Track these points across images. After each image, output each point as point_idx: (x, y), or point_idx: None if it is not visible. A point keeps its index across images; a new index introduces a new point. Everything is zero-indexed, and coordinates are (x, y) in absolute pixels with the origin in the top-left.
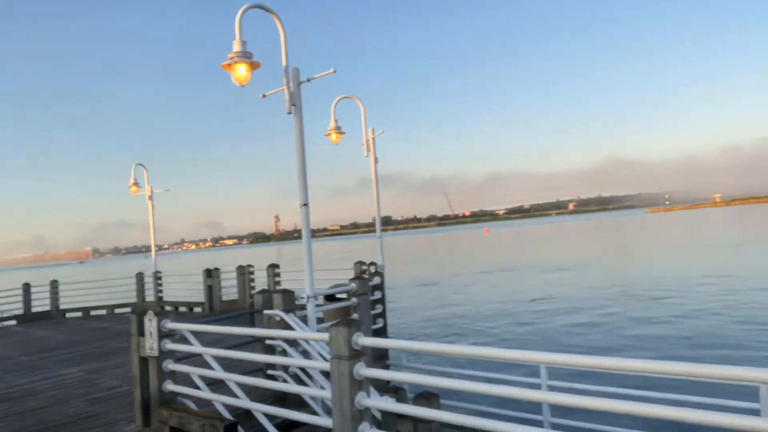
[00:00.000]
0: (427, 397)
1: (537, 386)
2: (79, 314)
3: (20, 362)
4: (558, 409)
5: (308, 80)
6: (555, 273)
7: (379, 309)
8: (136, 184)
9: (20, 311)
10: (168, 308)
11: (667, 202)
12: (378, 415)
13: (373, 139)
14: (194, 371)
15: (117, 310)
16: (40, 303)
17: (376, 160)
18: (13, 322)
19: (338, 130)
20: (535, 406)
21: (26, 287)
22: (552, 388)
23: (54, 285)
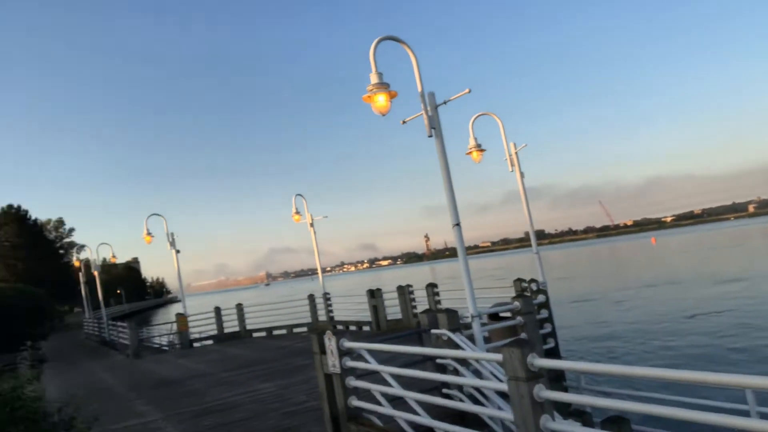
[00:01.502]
0: (617, 421)
1: (744, 413)
2: (263, 334)
3: (221, 378)
4: None
5: (444, 103)
6: (727, 285)
7: (547, 328)
8: (297, 212)
9: (215, 332)
10: (340, 327)
11: None
12: None
13: (516, 153)
14: (376, 388)
15: (295, 330)
16: (230, 324)
17: (522, 174)
18: (210, 342)
19: (478, 147)
20: None
21: (217, 310)
22: (763, 415)
23: (240, 308)
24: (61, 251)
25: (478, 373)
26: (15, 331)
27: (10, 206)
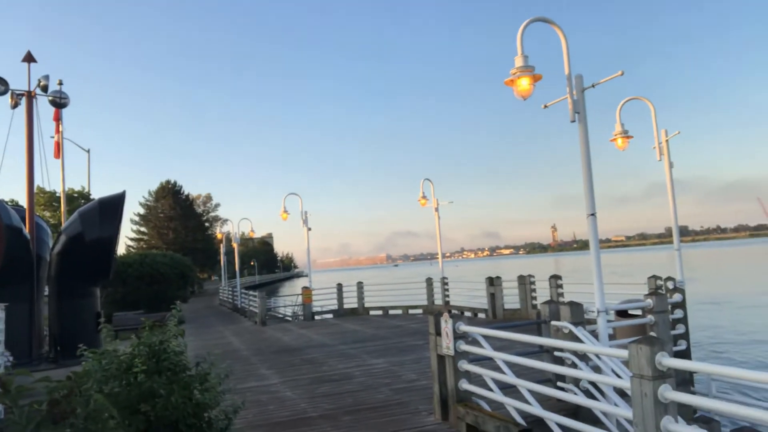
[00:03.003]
0: None
1: None
2: (379, 312)
3: (338, 350)
4: None
5: (593, 86)
6: None
7: (680, 329)
8: (424, 197)
9: (335, 306)
10: (455, 312)
11: None
12: None
13: (667, 141)
14: (488, 374)
15: (410, 311)
16: (349, 300)
17: (671, 165)
18: (330, 316)
19: (625, 134)
20: None
21: (339, 287)
22: None
23: (360, 286)
24: (207, 224)
25: (597, 370)
26: (163, 293)
27: (167, 182)
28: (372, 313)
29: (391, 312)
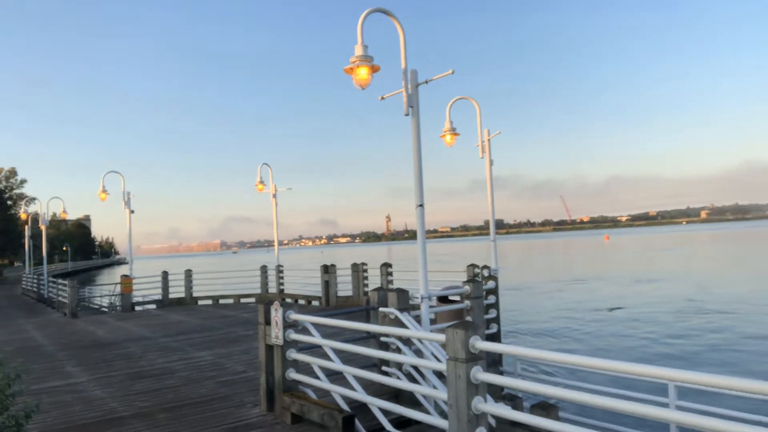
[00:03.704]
0: (545, 407)
1: (665, 405)
2: (209, 302)
3: (159, 343)
4: None
5: (426, 82)
6: (643, 285)
7: (492, 314)
8: (261, 182)
9: (159, 296)
10: (289, 300)
11: None
12: (492, 422)
13: (489, 140)
14: (315, 362)
15: (242, 300)
16: (177, 290)
17: (491, 162)
18: (153, 306)
19: (453, 131)
20: (661, 427)
21: (165, 275)
22: (681, 408)
23: (188, 274)
24: (9, 202)
25: (419, 353)
26: None
27: None
28: (201, 302)
29: (221, 301)
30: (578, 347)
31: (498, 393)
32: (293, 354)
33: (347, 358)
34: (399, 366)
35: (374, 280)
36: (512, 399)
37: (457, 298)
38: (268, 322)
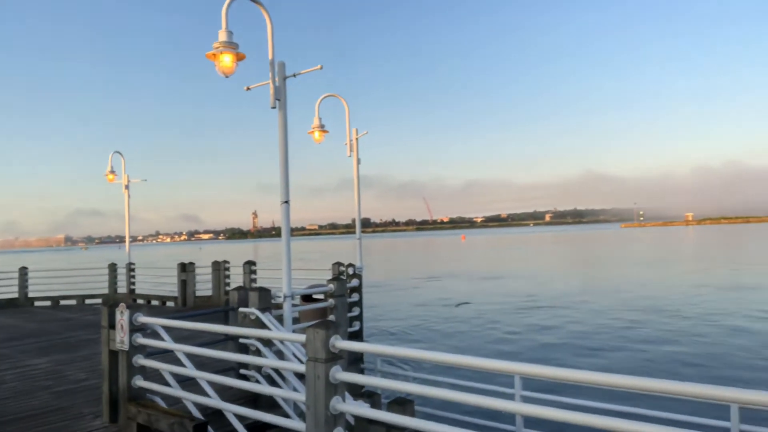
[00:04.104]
0: (402, 403)
1: (511, 396)
2: (48, 303)
3: None
4: (531, 421)
5: (294, 75)
6: (490, 281)
7: (356, 311)
8: (112, 172)
9: None
10: (140, 301)
11: (641, 218)
12: (351, 420)
13: (357, 139)
14: (165, 368)
15: (87, 301)
16: (8, 290)
17: (358, 161)
18: None
19: (322, 128)
20: (510, 417)
21: None
22: (526, 399)
23: (23, 272)
24: None
25: (281, 355)
26: None
27: None
28: (38, 304)
29: (63, 303)
30: (432, 342)
31: (358, 390)
32: (140, 360)
33: (203, 362)
34: (258, 369)
35: (237, 279)
36: (371, 396)
37: (322, 296)
38: (112, 326)
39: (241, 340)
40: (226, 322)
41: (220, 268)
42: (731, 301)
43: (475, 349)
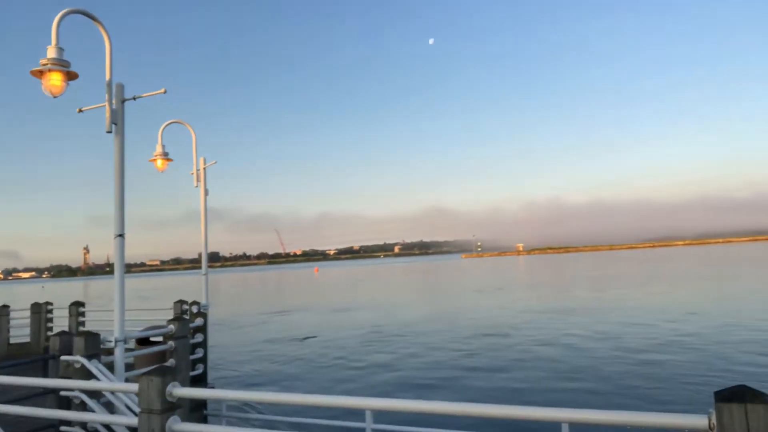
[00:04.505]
0: None
1: (363, 430)
2: None
3: None
4: None
5: (134, 98)
6: (339, 314)
7: (199, 353)
8: None
9: None
10: None
11: (479, 249)
12: None
13: (204, 169)
14: None
15: None
16: None
17: (206, 192)
18: None
19: (165, 156)
20: None
21: None
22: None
23: None
24: None
25: (111, 407)
26: None
27: None
28: None
29: None
30: (279, 379)
31: None
32: None
33: (13, 420)
34: (84, 425)
35: (62, 323)
36: None
37: (161, 338)
38: None
39: (62, 393)
40: (45, 373)
41: (40, 311)
42: (554, 325)
43: (321, 383)
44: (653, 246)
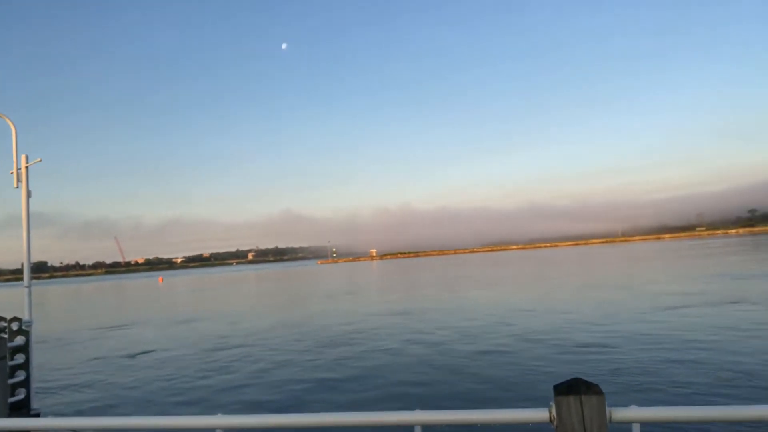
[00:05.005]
0: None
1: None
2: None
3: None
4: None
5: None
6: (181, 325)
7: (20, 376)
8: None
9: None
10: None
11: (334, 255)
12: None
13: (27, 167)
14: None
15: None
16: None
17: (29, 194)
18: None
19: None
20: None
21: None
22: None
23: None
24: None
25: None
26: None
27: None
28: None
29: None
30: (114, 399)
31: None
32: None
33: None
34: None
35: None
36: None
37: None
38: None
39: None
40: None
41: None
42: (397, 327)
43: (148, 408)
44: (492, 250)
